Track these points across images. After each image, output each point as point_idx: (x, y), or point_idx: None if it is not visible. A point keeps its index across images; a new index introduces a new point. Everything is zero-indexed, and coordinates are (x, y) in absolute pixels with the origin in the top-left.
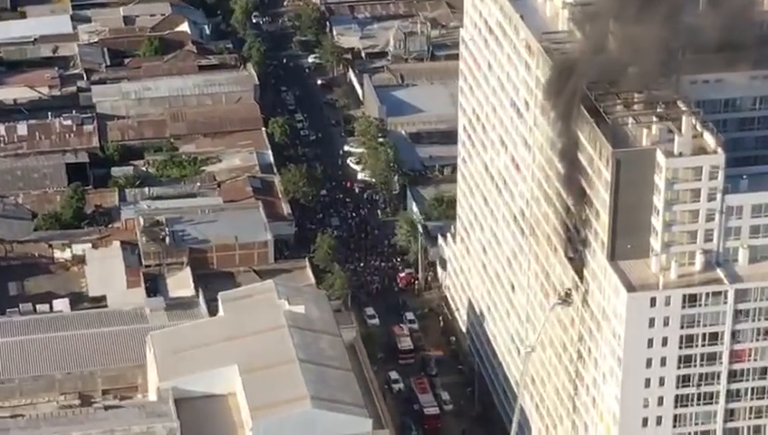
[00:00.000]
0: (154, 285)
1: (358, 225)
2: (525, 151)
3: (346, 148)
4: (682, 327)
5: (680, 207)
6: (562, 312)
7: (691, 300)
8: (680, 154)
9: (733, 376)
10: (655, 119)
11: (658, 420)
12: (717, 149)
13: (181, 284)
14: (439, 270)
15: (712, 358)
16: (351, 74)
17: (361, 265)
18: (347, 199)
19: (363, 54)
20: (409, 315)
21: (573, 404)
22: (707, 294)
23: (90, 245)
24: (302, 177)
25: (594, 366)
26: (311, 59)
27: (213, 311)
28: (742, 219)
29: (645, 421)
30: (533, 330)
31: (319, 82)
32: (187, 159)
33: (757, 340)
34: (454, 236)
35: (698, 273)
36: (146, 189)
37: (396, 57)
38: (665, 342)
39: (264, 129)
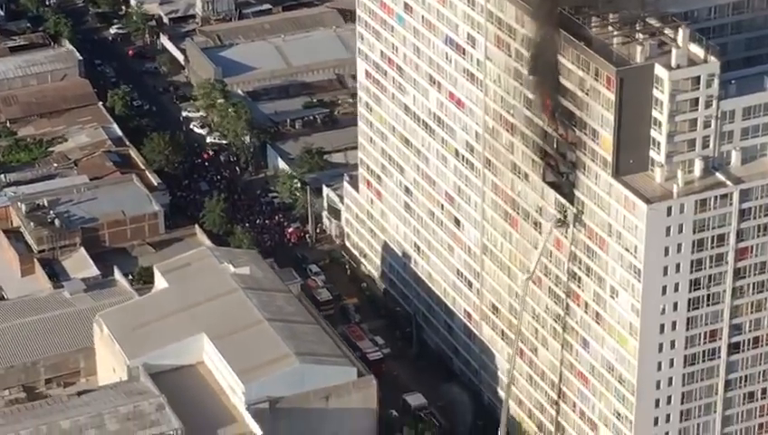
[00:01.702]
0: (51, 270)
1: (227, 186)
2: (472, 86)
3: (185, 113)
4: (694, 232)
5: (681, 117)
6: (528, 234)
7: (702, 205)
8: (678, 66)
9: (737, 274)
10: (640, 36)
11: (673, 325)
12: (710, 57)
13: (79, 265)
14: (326, 221)
15: (719, 259)
16: (165, 40)
17: (246, 224)
18: (206, 163)
19: (167, 20)
20: (314, 268)
21: (564, 325)
22: (716, 198)
23: None
24: (166, 145)
25: (598, 283)
26: (113, 30)
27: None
28: (734, 123)
29: (662, 328)
30: (492, 259)
31: (130, 52)
32: (32, 141)
33: (758, 236)
34: (354, 184)
35: (699, 179)
36: (1, 177)
37: (204, 19)
38: (679, 248)
39: (101, 103)
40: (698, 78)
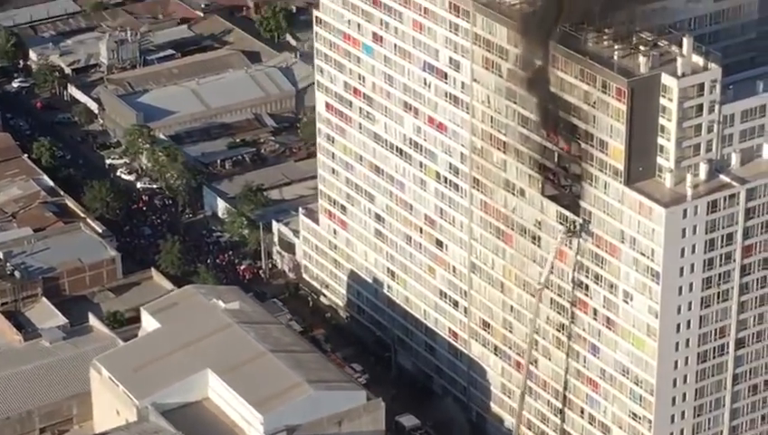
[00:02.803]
0: (15, 322)
1: (169, 229)
2: (456, 109)
3: (109, 161)
4: (706, 233)
5: (688, 123)
6: (525, 249)
7: (713, 206)
8: (684, 74)
9: (743, 271)
10: (642, 48)
11: (688, 324)
12: (711, 64)
13: (44, 314)
14: (276, 257)
15: (728, 257)
16: (74, 90)
17: (199, 265)
18: (143, 208)
19: (69, 71)
20: (277, 302)
21: (570, 333)
22: (725, 199)
23: None
24: (107, 192)
25: (608, 289)
26: (16, 84)
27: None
28: (734, 126)
29: (678, 327)
30: (482, 277)
31: (38, 104)
32: None
33: (762, 233)
34: (311, 216)
35: (704, 182)
36: None
37: (108, 68)
38: (693, 249)
39: (25, 155)
40: (702, 84)
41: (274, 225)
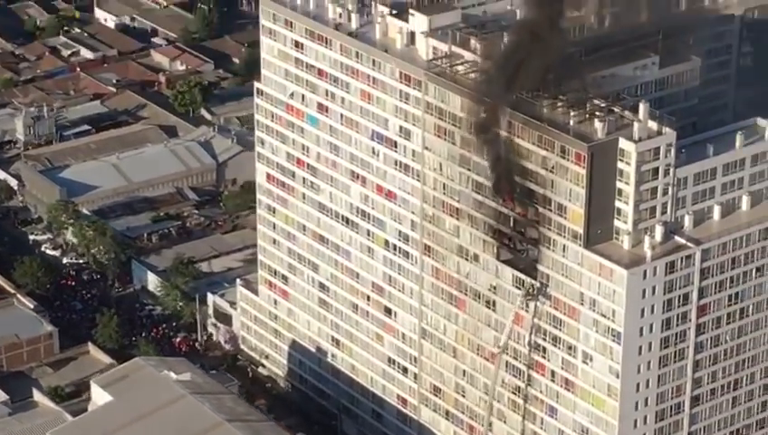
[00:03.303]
0: None
1: (101, 303)
2: (406, 177)
3: (32, 237)
4: (664, 293)
5: (645, 187)
6: (479, 313)
7: (671, 267)
8: (640, 139)
9: (698, 330)
10: (598, 114)
11: (647, 383)
12: (666, 129)
13: None
14: (210, 328)
15: (684, 316)
16: None
17: (134, 338)
18: (72, 283)
19: None
20: (227, 374)
21: (526, 396)
22: (682, 259)
23: None
24: (38, 267)
25: (567, 351)
26: None
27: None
28: (687, 188)
29: (638, 386)
30: (434, 342)
31: None
32: None
33: (715, 293)
34: (249, 287)
35: (660, 244)
36: None
37: (26, 143)
38: (652, 309)
39: None
40: (658, 148)
41: (209, 297)
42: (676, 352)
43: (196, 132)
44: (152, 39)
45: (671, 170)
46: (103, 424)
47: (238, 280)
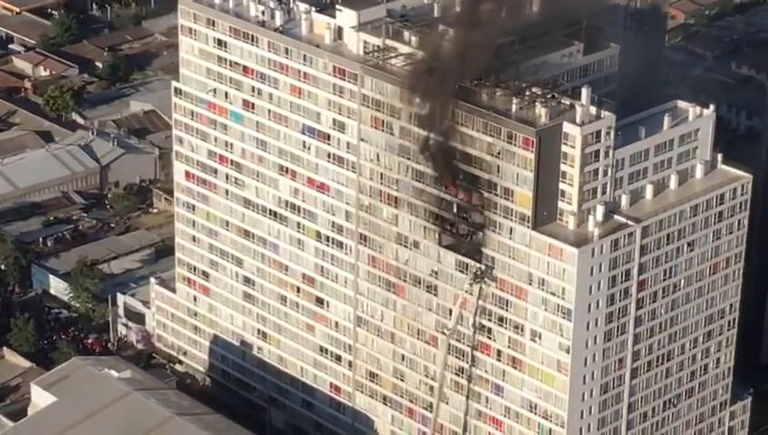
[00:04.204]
0: None
1: (4, 309)
2: (340, 168)
3: None
4: (609, 270)
5: (588, 168)
6: (419, 299)
7: (615, 245)
8: (583, 123)
9: (638, 305)
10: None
11: (593, 357)
12: (605, 112)
13: None
14: (122, 328)
15: (626, 292)
16: None
17: (46, 341)
18: None
19: None
20: (166, 370)
21: (470, 376)
22: (625, 237)
23: None
24: None
25: (515, 330)
26: None
27: None
28: (624, 169)
29: (585, 361)
30: (370, 329)
31: None
32: None
33: (653, 268)
34: (165, 285)
35: (601, 223)
36: None
37: None
38: (599, 286)
39: None
40: (600, 131)
41: (120, 297)
42: (618, 326)
43: (75, 136)
44: (9, 45)
45: (611, 152)
46: (53, 424)
47: (152, 278)
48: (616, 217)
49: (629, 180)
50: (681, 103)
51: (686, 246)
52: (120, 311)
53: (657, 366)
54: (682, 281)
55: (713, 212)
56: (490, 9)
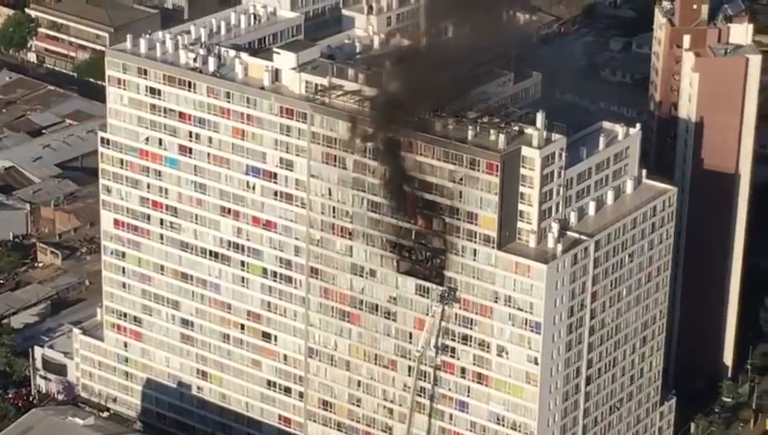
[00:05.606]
0: None
1: None
2: (288, 205)
3: None
4: (570, 283)
5: (545, 189)
6: (377, 325)
7: (574, 259)
8: (540, 146)
9: (591, 315)
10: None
11: (557, 368)
12: (556, 135)
13: None
14: (40, 380)
15: (582, 303)
16: None
17: None
18: None
19: None
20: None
21: (432, 396)
22: (581, 251)
23: None
24: None
25: (480, 348)
26: None
27: None
28: (572, 188)
29: (551, 371)
30: (323, 359)
31: None
32: None
33: (604, 279)
34: (91, 334)
35: (557, 240)
36: None
37: None
38: (562, 299)
39: None
40: (554, 153)
41: (37, 350)
42: (576, 336)
43: None
44: None
45: (563, 172)
46: None
47: (75, 329)
48: (569, 233)
49: (576, 198)
50: (606, 124)
51: (627, 257)
52: (39, 364)
53: (605, 372)
54: (624, 290)
55: (648, 224)
56: (432, 43)
